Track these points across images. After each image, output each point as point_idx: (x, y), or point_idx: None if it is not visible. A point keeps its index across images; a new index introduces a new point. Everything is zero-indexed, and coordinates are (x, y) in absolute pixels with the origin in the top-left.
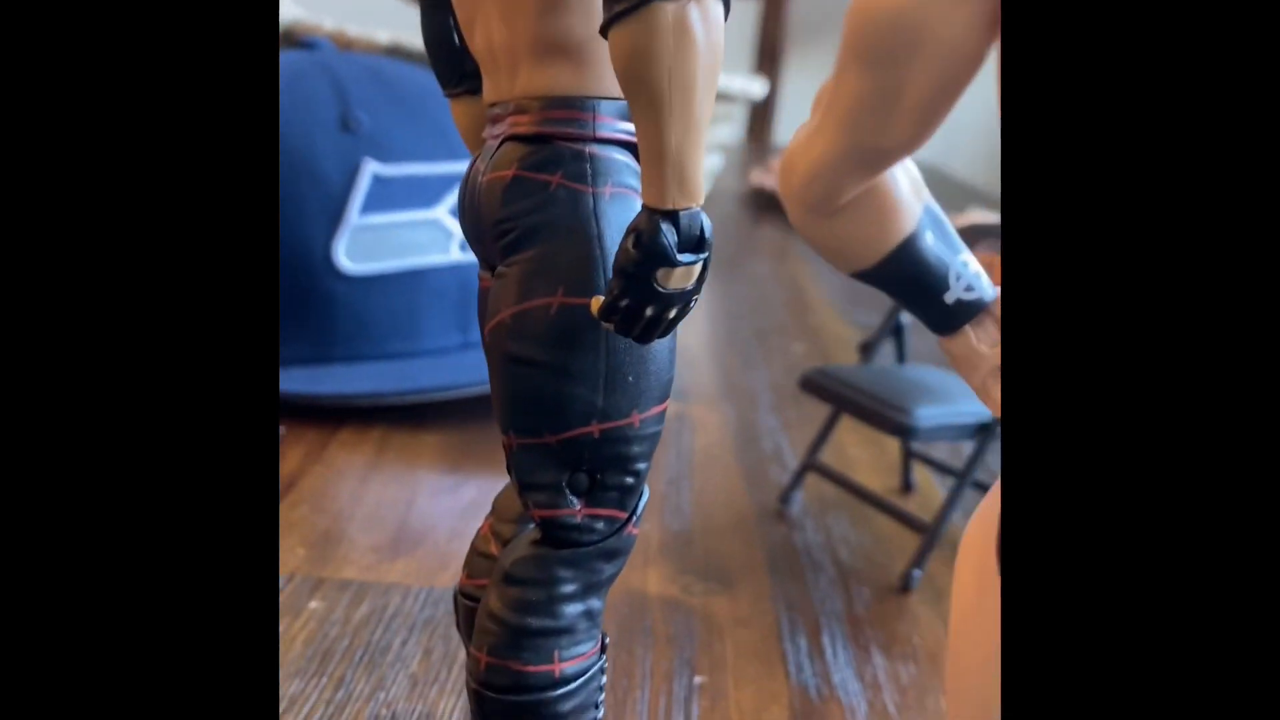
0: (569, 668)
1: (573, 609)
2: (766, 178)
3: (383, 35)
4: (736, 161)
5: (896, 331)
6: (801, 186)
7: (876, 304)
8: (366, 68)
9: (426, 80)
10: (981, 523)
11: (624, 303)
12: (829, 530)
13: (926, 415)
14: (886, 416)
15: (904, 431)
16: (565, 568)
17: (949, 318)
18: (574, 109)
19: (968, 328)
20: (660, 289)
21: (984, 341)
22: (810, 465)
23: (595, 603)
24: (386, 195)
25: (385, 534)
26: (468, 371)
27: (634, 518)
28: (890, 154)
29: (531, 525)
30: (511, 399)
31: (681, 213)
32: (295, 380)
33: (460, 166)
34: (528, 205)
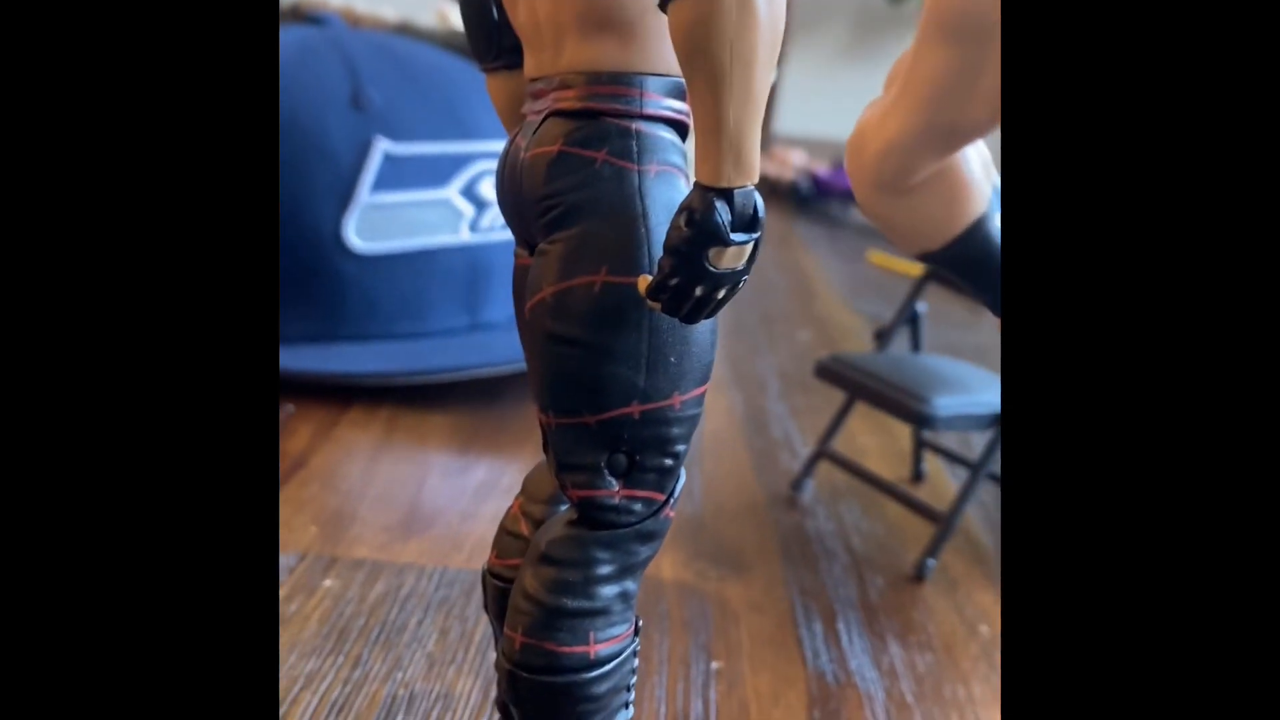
0: (604, 649)
1: (609, 590)
2: (770, 165)
3: (390, 13)
4: None
5: (912, 320)
6: (874, 164)
7: (881, 292)
8: (377, 45)
9: (438, 59)
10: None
11: (674, 281)
12: (841, 518)
13: (945, 404)
14: (905, 404)
15: (923, 420)
16: (602, 549)
17: None
18: (621, 85)
19: None
20: (711, 268)
21: None
22: (823, 453)
23: (630, 585)
24: (397, 174)
25: (397, 514)
26: (476, 353)
27: (671, 500)
28: (967, 133)
29: (564, 506)
30: (551, 378)
31: (736, 191)
32: (303, 358)
33: (471, 146)
34: (572, 182)
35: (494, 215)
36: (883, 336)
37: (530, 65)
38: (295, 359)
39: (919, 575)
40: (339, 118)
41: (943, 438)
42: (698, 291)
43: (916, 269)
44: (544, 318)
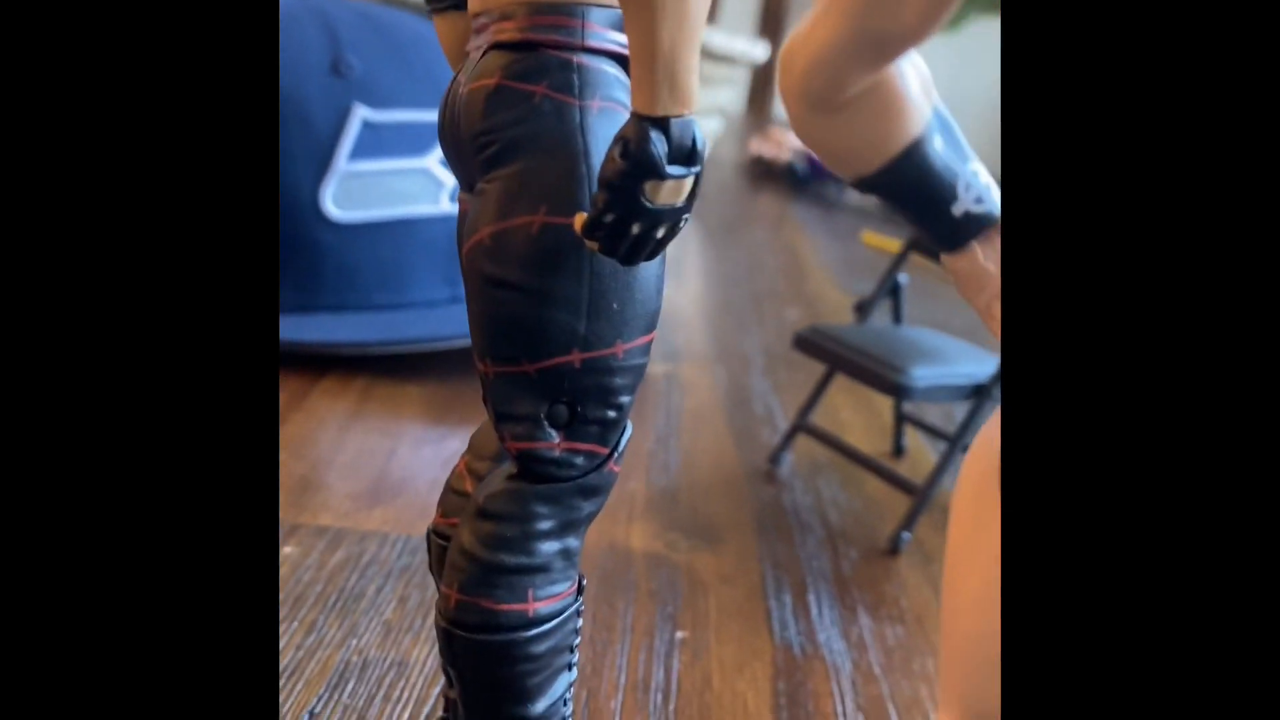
0: (543, 607)
1: (549, 546)
2: (766, 146)
3: None
4: (736, 130)
5: (893, 291)
6: (803, 78)
7: (874, 272)
8: (359, 12)
9: (421, 27)
10: (981, 451)
11: (609, 218)
12: (818, 491)
13: (922, 375)
14: (882, 375)
15: (899, 391)
16: (542, 503)
17: (956, 232)
18: (563, 15)
19: (974, 243)
20: (648, 204)
21: (991, 260)
22: (801, 426)
23: (573, 541)
24: (376, 142)
25: (364, 482)
26: (454, 323)
27: (616, 454)
28: (898, 41)
29: (508, 462)
30: (489, 324)
31: (673, 120)
32: (280, 326)
33: None
34: (510, 117)
35: None
36: (863, 309)
37: (473, 0)
38: None
39: (893, 549)
40: (318, 84)
41: (925, 412)
42: (635, 229)
43: None
44: (481, 260)
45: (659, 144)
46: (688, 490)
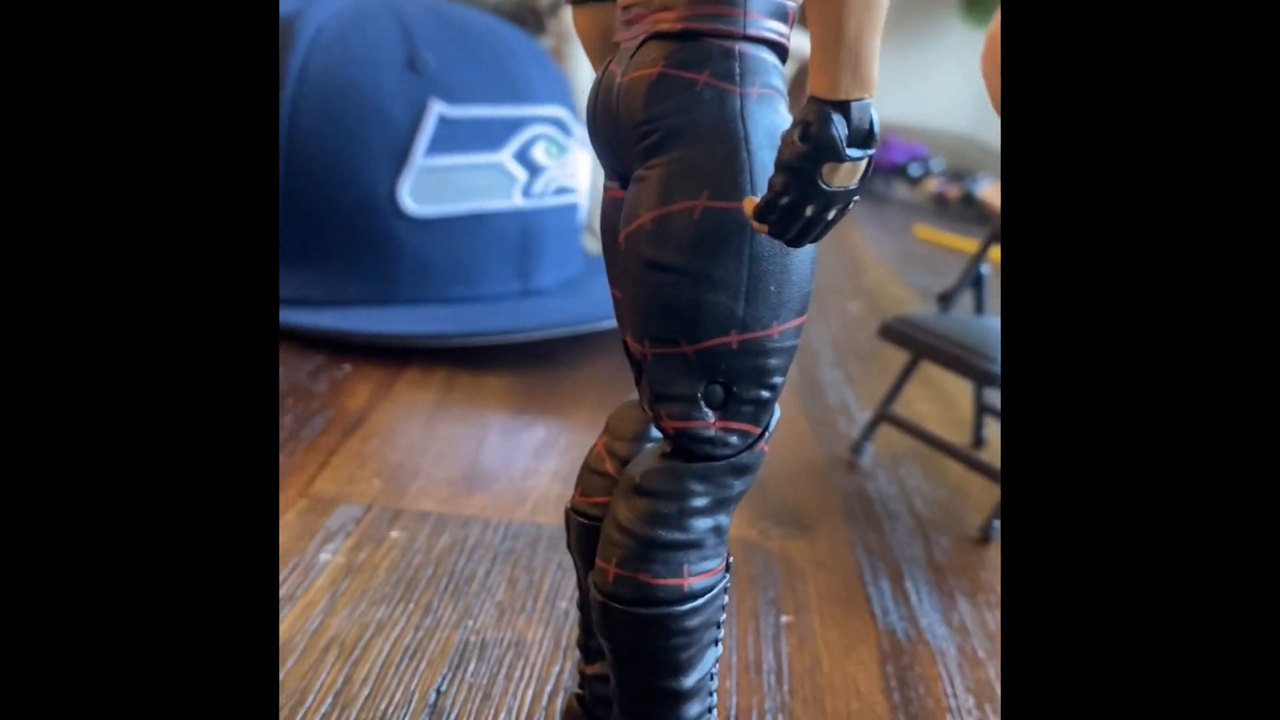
0: (697, 583)
1: (703, 523)
2: None
3: None
4: None
5: (976, 283)
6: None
7: (930, 265)
8: (432, 8)
9: (492, 24)
10: None
11: (785, 200)
12: (902, 481)
13: None
14: (972, 364)
15: (988, 378)
16: (697, 481)
17: None
18: (724, 4)
19: None
20: (825, 186)
21: None
22: (884, 416)
23: (724, 519)
24: (451, 137)
25: (459, 469)
26: (529, 316)
27: (766, 434)
28: None
29: (649, 443)
30: (648, 306)
31: (854, 104)
32: (359, 319)
33: (525, 110)
34: (673, 105)
35: (546, 181)
36: (947, 298)
37: None
38: (351, 320)
39: (984, 537)
40: (394, 80)
41: None
42: (808, 211)
43: (963, 242)
44: (642, 244)
45: (840, 127)
46: (774, 480)
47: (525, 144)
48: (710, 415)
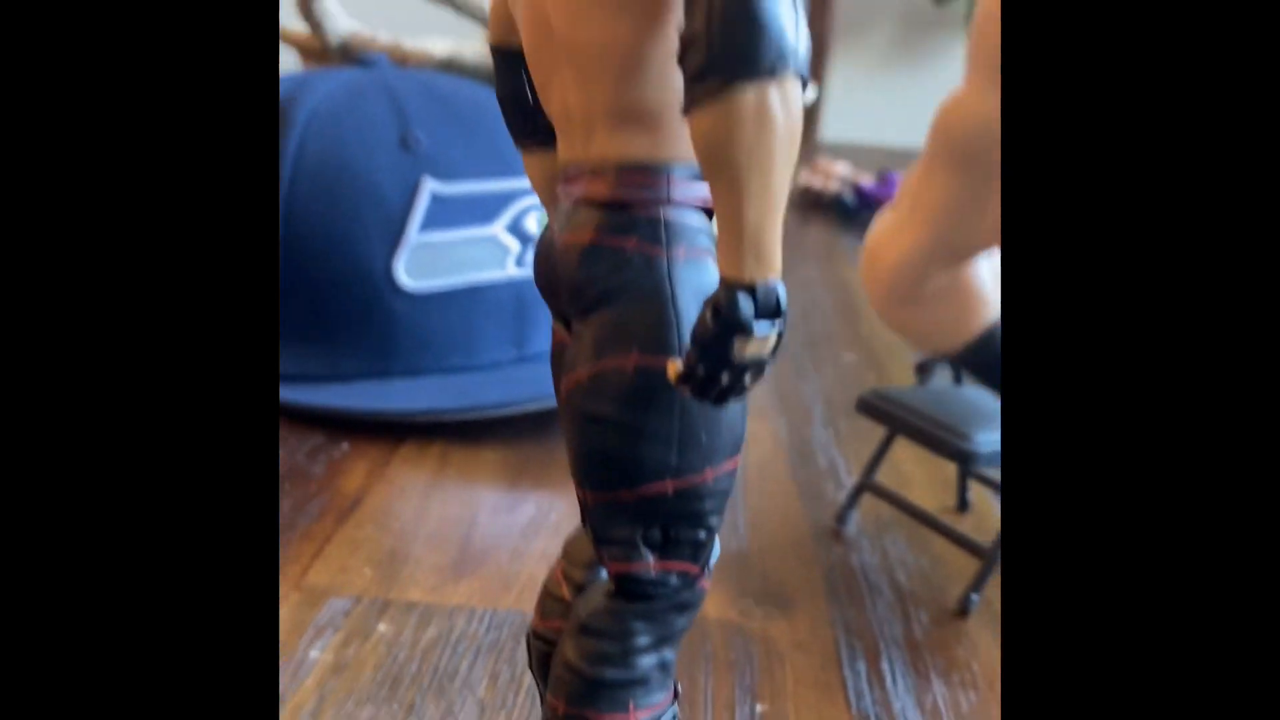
0: (643, 715)
1: (647, 660)
2: (814, 178)
3: (438, 48)
4: None
5: None
6: (889, 277)
7: None
8: (423, 84)
9: (480, 96)
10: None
11: (701, 371)
12: (885, 551)
13: (986, 441)
14: (946, 441)
15: (964, 458)
16: (640, 620)
17: None
18: (649, 175)
19: None
20: (737, 359)
21: None
22: (866, 485)
23: (669, 654)
24: (444, 213)
25: (449, 554)
26: (525, 386)
27: (706, 570)
28: (976, 249)
29: (604, 571)
30: (588, 456)
31: (759, 284)
32: (358, 395)
33: (516, 183)
34: (604, 269)
35: None
36: (924, 370)
37: (563, 149)
38: (350, 396)
39: (963, 610)
40: (389, 159)
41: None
42: (724, 379)
43: None
44: (579, 398)
45: (746, 306)
46: (758, 553)
47: (517, 216)
48: (650, 557)
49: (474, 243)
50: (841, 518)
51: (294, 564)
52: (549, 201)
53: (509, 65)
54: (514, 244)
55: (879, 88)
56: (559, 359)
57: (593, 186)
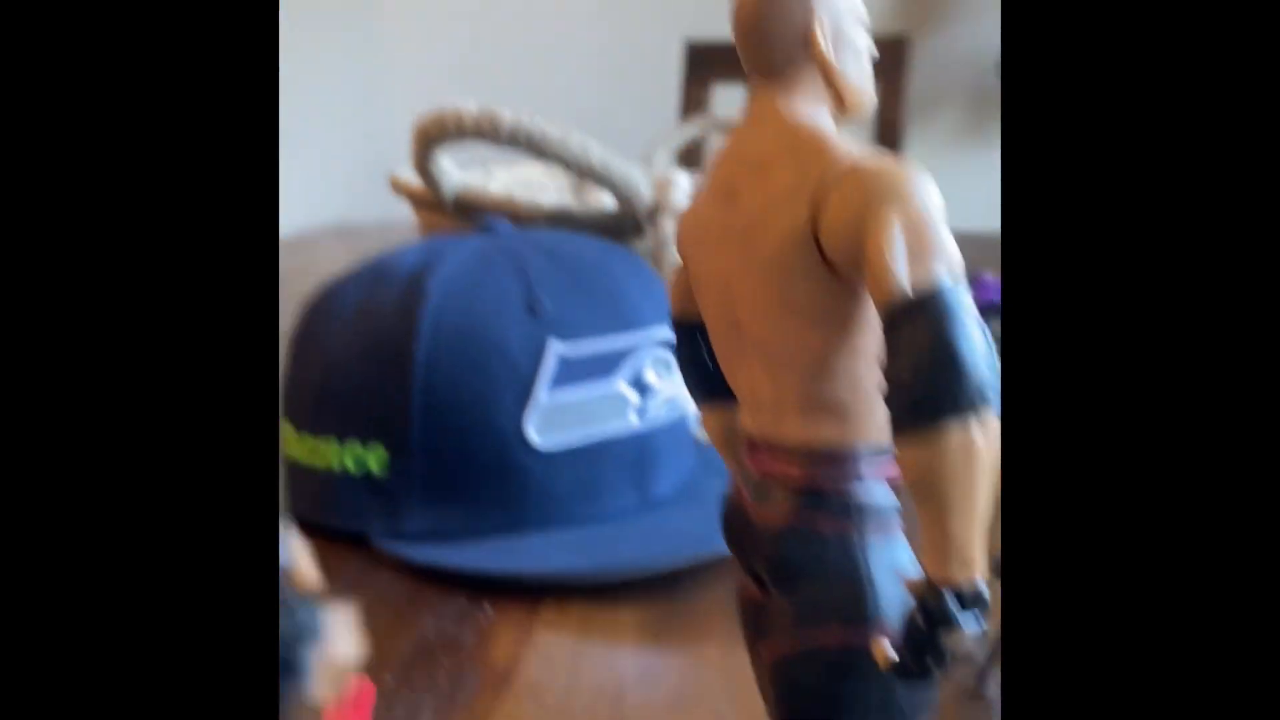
0: None
1: None
2: None
3: (546, 201)
4: None
5: None
6: None
7: None
8: (545, 249)
9: (599, 252)
10: None
11: (910, 661)
12: None
13: None
14: None
15: None
16: None
17: None
18: (840, 461)
19: None
20: (946, 650)
21: None
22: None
23: None
24: (569, 373)
25: None
26: (653, 542)
27: None
28: None
29: None
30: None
31: (964, 584)
32: (495, 555)
33: (635, 338)
34: (802, 548)
35: (658, 402)
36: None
37: (749, 421)
38: (487, 556)
39: None
40: (517, 325)
41: None
42: (931, 665)
43: None
44: (785, 669)
45: (953, 604)
46: None
47: (638, 369)
48: None
49: (598, 399)
50: (981, 679)
51: None
52: (729, 456)
53: (689, 336)
54: (634, 396)
55: (954, 168)
56: (751, 616)
57: (785, 468)
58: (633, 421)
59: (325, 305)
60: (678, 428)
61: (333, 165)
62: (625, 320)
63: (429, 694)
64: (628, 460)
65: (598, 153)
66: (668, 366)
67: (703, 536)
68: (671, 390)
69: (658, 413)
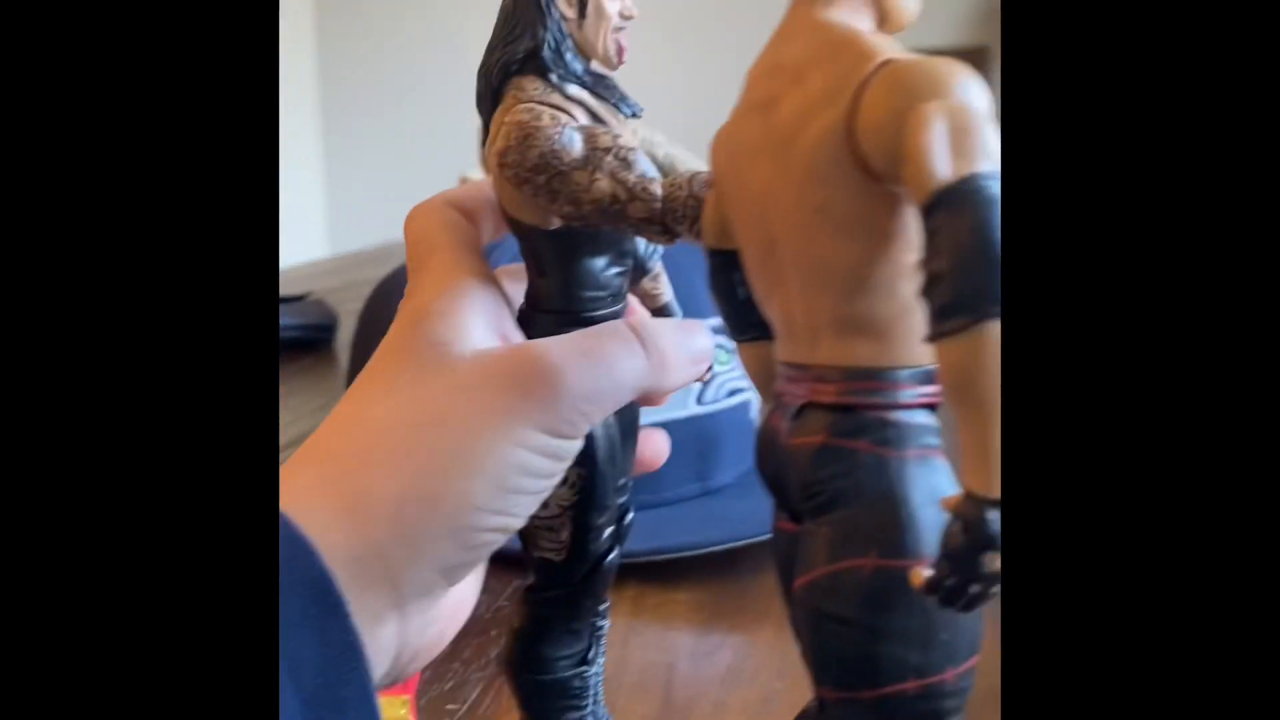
0: None
1: None
2: None
3: None
4: None
5: None
6: None
7: None
8: None
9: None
10: None
11: (950, 582)
12: None
13: None
14: None
15: None
16: None
17: None
18: (876, 380)
19: None
20: (987, 569)
21: None
22: None
23: None
24: None
25: (652, 705)
26: (711, 525)
27: None
28: None
29: None
30: (827, 656)
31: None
32: None
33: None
34: (836, 470)
35: (718, 386)
36: None
37: (785, 350)
38: None
39: None
40: None
41: None
42: (972, 589)
43: None
44: (816, 598)
45: (995, 521)
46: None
47: None
48: None
49: None
50: None
51: (509, 714)
52: (766, 391)
53: (722, 265)
54: (695, 384)
55: None
56: (784, 550)
57: (820, 390)
58: (692, 408)
59: (390, 288)
60: (740, 415)
61: (415, 172)
62: (688, 310)
63: (478, 669)
64: (688, 447)
65: (664, 148)
66: (728, 353)
67: (759, 519)
68: (733, 377)
69: (719, 399)
